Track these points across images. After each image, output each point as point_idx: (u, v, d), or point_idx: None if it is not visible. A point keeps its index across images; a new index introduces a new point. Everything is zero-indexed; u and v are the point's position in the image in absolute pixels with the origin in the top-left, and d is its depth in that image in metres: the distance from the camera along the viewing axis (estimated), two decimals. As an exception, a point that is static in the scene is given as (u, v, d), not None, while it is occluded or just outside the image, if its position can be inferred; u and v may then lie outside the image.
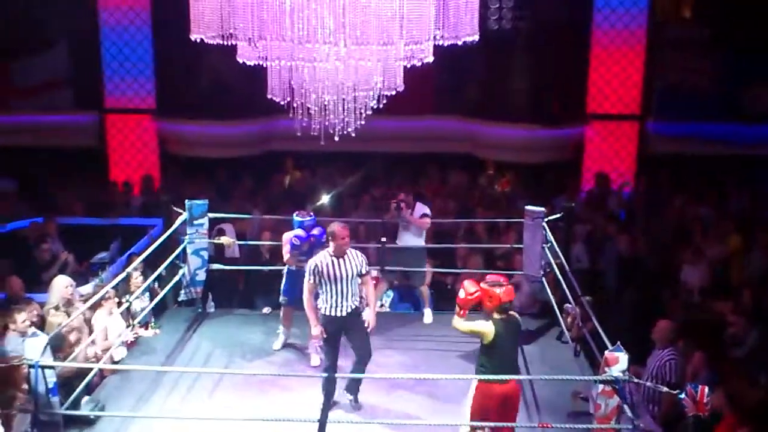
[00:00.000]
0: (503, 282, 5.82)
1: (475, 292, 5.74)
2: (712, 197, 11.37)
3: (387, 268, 8.48)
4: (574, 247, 9.59)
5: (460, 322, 5.77)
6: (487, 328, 5.69)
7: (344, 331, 6.66)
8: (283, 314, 7.99)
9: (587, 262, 9.55)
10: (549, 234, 8.30)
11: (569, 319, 7.62)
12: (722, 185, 11.91)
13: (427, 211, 8.58)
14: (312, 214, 7.72)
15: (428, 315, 8.64)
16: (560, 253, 8.03)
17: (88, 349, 7.08)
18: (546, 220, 8.34)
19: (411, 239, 8.59)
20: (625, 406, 5.34)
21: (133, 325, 7.88)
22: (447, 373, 7.24)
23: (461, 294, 5.77)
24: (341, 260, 6.59)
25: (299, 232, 7.48)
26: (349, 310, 6.59)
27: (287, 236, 7.65)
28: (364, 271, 6.68)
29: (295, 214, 7.64)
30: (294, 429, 5.99)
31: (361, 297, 6.92)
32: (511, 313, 5.84)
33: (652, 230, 10.36)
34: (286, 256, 7.64)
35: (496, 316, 5.73)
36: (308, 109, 6.01)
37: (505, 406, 5.73)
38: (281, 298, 7.89)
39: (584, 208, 11.48)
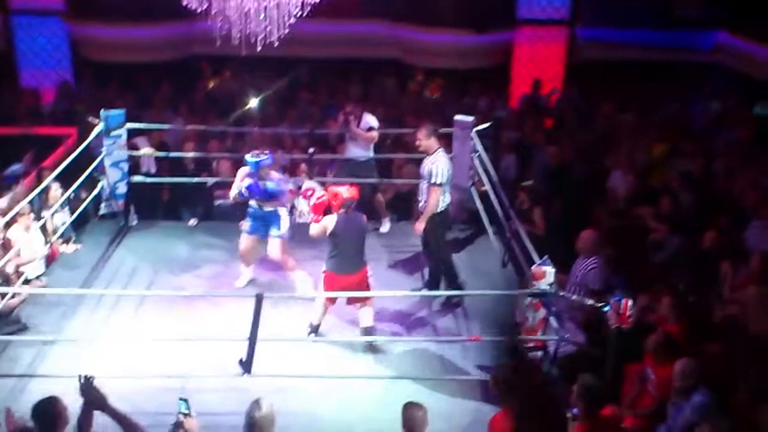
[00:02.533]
0: (349, 187, 6.37)
1: (322, 195, 6.33)
2: (640, 104, 11.45)
3: (338, 180, 8.22)
4: (504, 158, 9.59)
5: (313, 227, 6.30)
6: (329, 220, 6.24)
7: None
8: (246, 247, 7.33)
9: (515, 172, 9.56)
10: (478, 143, 8.27)
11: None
12: (650, 92, 11.98)
13: (375, 123, 8.42)
14: (268, 152, 7.16)
15: (386, 224, 8.69)
16: (488, 163, 8.03)
17: (7, 266, 6.80)
18: (475, 129, 8.29)
19: (358, 151, 8.47)
20: (551, 319, 5.45)
21: (52, 242, 7.61)
22: (402, 281, 7.44)
23: (312, 201, 6.31)
24: None
25: (249, 182, 6.94)
26: None
27: (242, 173, 7.08)
28: None
29: (249, 155, 6.98)
30: (223, 347, 5.94)
31: None
32: (357, 212, 6.34)
33: (580, 138, 10.42)
34: (233, 192, 7.16)
35: (341, 212, 6.23)
36: (228, 18, 5.69)
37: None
38: (246, 226, 7.28)
39: (515, 115, 11.44)
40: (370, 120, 8.41)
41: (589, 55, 12.73)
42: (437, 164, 6.84)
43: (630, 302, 4.84)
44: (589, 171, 9.41)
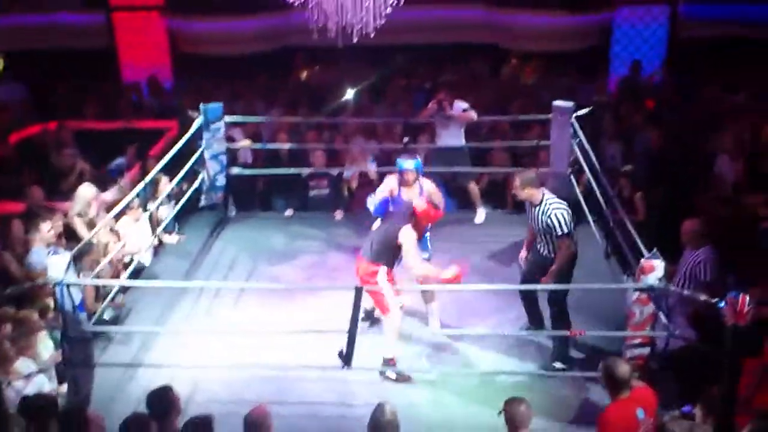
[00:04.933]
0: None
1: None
2: (748, 85, 10.85)
3: (433, 169, 7.92)
4: (608, 146, 9.28)
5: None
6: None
7: None
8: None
9: (617, 159, 9.23)
10: (578, 129, 8.02)
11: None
12: (758, 72, 11.33)
13: (467, 105, 8.36)
14: (417, 156, 6.84)
15: (481, 214, 8.54)
16: (589, 149, 7.78)
17: (115, 257, 7.02)
18: (574, 115, 8.05)
19: (451, 138, 8.41)
20: (660, 314, 5.23)
21: (157, 233, 7.82)
22: (498, 271, 7.26)
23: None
24: None
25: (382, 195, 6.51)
26: None
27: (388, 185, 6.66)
28: None
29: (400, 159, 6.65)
30: (323, 337, 5.95)
31: None
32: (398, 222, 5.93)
33: (684, 121, 9.98)
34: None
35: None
36: (324, 10, 5.67)
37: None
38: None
39: (614, 98, 11.05)
40: (462, 104, 8.33)
41: (692, 33, 12.15)
42: (553, 214, 5.91)
43: (747, 298, 4.58)
44: (693, 156, 8.99)
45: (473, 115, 8.34)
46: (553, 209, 5.92)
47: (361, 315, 6.10)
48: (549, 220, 5.91)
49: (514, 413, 4.35)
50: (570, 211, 5.98)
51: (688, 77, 11.45)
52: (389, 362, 5.92)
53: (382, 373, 5.95)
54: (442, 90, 8.69)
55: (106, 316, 6.49)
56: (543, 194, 6.02)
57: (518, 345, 6.28)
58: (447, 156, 8.35)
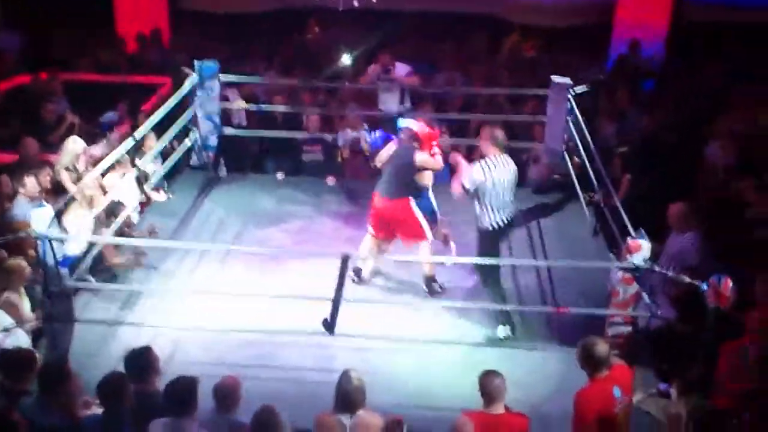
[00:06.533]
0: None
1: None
2: (747, 70, 10.77)
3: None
4: (604, 125, 9.24)
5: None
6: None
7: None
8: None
9: (611, 138, 9.18)
10: (574, 107, 7.97)
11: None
12: (760, 57, 11.24)
13: (410, 68, 8.49)
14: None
15: None
16: (584, 127, 7.74)
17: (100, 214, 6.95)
18: (571, 91, 7.99)
19: (395, 104, 8.46)
20: (644, 295, 5.23)
21: (145, 190, 7.76)
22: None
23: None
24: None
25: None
26: None
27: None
28: None
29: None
30: (307, 303, 5.94)
31: None
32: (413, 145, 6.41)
33: (680, 104, 9.92)
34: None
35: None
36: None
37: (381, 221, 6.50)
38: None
39: (610, 77, 10.97)
40: (405, 67, 8.40)
41: (696, 16, 12.03)
42: (474, 167, 5.93)
43: (730, 282, 4.59)
44: (687, 140, 8.95)
45: (417, 79, 8.38)
46: (479, 164, 5.94)
47: (351, 275, 6.40)
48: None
49: (488, 386, 4.36)
50: (480, 176, 5.87)
51: (687, 61, 11.36)
52: (432, 279, 6.49)
53: (428, 289, 6.51)
54: (385, 53, 8.67)
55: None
56: (492, 154, 5.95)
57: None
58: (390, 124, 8.05)
